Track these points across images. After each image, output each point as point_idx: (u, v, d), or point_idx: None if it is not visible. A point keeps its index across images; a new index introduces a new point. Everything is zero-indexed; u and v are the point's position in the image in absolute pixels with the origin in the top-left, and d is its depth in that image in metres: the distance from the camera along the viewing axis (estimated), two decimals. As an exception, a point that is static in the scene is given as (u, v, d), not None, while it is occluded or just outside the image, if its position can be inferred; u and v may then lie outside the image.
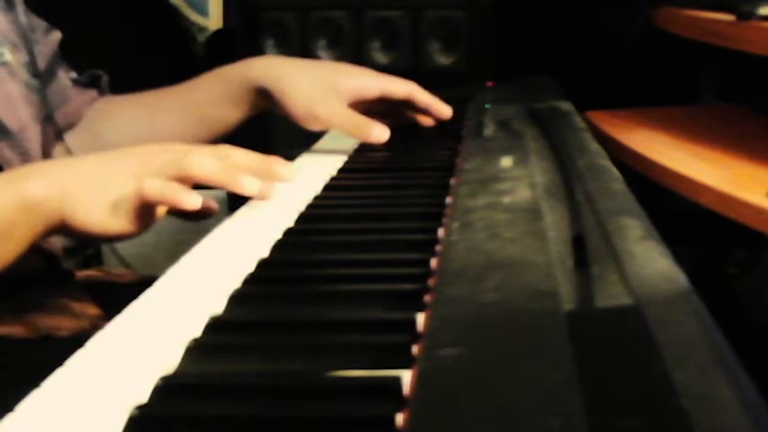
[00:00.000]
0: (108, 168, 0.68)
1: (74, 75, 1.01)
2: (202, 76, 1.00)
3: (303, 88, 0.94)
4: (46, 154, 0.90)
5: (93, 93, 1.02)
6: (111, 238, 0.67)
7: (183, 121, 0.99)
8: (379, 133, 0.92)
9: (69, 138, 0.97)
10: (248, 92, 0.97)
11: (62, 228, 0.67)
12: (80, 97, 1.01)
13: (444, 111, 1.00)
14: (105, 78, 1.04)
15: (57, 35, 0.98)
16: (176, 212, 0.68)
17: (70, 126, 0.99)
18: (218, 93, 0.98)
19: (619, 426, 0.33)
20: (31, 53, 0.91)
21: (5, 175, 0.70)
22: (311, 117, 0.94)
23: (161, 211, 0.68)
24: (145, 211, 0.66)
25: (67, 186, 0.66)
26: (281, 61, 1.00)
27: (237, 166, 0.70)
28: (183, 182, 0.66)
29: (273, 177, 0.73)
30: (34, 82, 0.89)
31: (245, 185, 0.69)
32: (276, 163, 0.74)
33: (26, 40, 0.91)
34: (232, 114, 0.98)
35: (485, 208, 0.62)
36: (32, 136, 0.86)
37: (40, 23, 0.96)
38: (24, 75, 0.87)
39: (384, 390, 0.39)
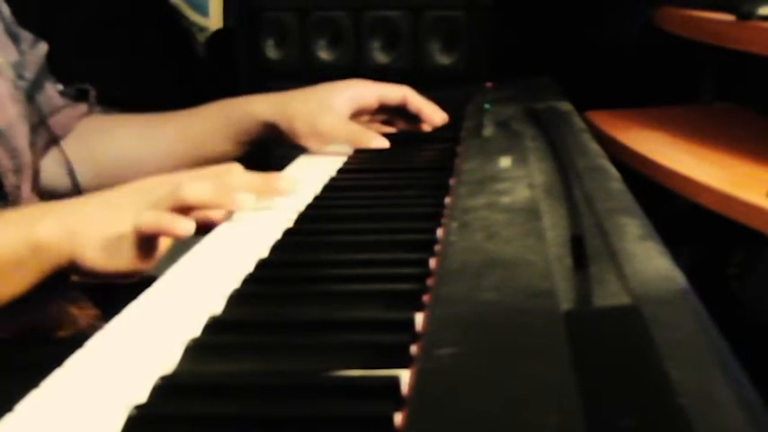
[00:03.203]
0: (111, 207, 0.69)
1: (60, 87, 1.01)
2: (204, 107, 1.00)
3: (304, 109, 0.96)
4: (36, 157, 0.90)
5: (83, 107, 1.02)
6: (120, 277, 0.68)
7: (178, 150, 0.99)
8: (378, 144, 0.95)
9: (51, 154, 0.97)
10: (250, 127, 0.98)
11: (70, 268, 0.67)
12: (70, 110, 1.00)
13: (435, 117, 1.01)
14: (93, 93, 1.04)
15: (43, 47, 0.98)
16: None
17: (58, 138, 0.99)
18: (218, 127, 0.98)
19: (616, 425, 0.33)
20: (21, 53, 0.91)
21: (17, 214, 0.71)
22: (314, 134, 0.96)
23: (164, 243, 0.68)
24: (146, 246, 0.67)
25: (75, 228, 0.67)
26: (280, 93, 1.01)
27: (234, 187, 0.71)
28: (181, 211, 0.67)
29: (274, 194, 0.74)
30: (21, 83, 0.89)
31: (239, 203, 0.70)
32: (275, 179, 0.74)
33: (14, 40, 0.91)
34: (229, 150, 0.98)
35: (484, 208, 0.62)
36: (20, 134, 0.86)
37: (27, 35, 0.96)
38: (11, 74, 0.88)
39: (383, 389, 0.39)
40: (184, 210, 0.67)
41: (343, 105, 0.96)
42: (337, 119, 0.96)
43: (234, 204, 0.70)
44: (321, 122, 0.95)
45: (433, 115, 1.01)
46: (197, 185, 0.68)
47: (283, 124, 0.96)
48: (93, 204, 0.70)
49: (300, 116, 0.95)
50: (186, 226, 0.65)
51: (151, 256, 0.68)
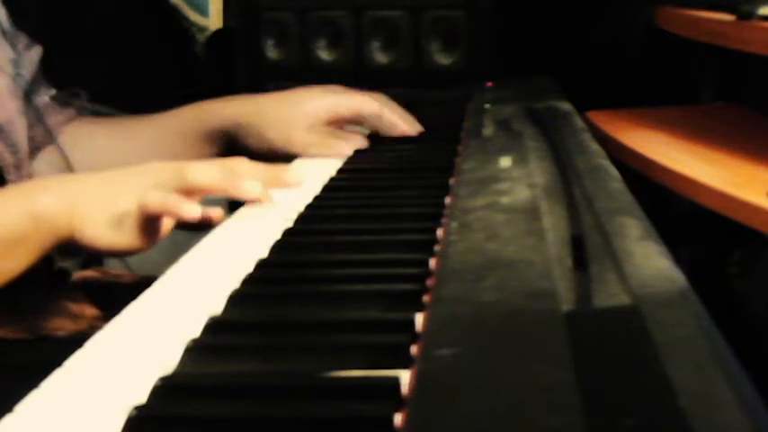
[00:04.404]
0: (115, 184, 0.69)
1: (53, 92, 1.01)
2: (182, 108, 1.00)
3: (277, 118, 0.95)
4: (33, 153, 0.90)
5: (71, 111, 1.02)
6: (119, 253, 0.68)
7: (155, 152, 0.98)
8: (355, 145, 0.94)
9: (42, 155, 0.97)
10: (224, 129, 0.96)
11: (71, 242, 0.67)
12: (57, 116, 1.00)
13: (410, 132, 0.99)
14: (84, 97, 1.04)
15: (37, 50, 0.98)
16: (181, 225, 0.69)
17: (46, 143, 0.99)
18: (190, 129, 0.98)
19: (617, 425, 0.33)
20: (17, 53, 0.91)
21: (17, 189, 0.71)
22: (288, 144, 0.94)
23: (167, 224, 0.68)
24: (149, 225, 0.67)
25: (77, 202, 0.67)
26: (255, 97, 0.99)
27: (241, 174, 0.71)
28: (186, 193, 0.67)
29: (280, 185, 0.74)
30: (19, 79, 0.90)
31: (245, 190, 0.70)
32: (282, 171, 0.75)
33: (10, 38, 0.91)
34: (205, 153, 0.97)
35: (484, 208, 0.62)
36: (19, 129, 0.86)
37: (22, 38, 0.96)
38: (10, 69, 0.88)
39: (383, 390, 0.39)
40: (190, 193, 0.67)
41: (317, 114, 0.95)
42: (310, 129, 0.94)
43: (240, 191, 0.70)
44: (294, 134, 0.94)
45: (408, 131, 0.99)
46: (204, 169, 0.68)
47: (254, 131, 0.95)
48: (96, 180, 0.70)
49: (272, 123, 0.94)
50: (191, 208, 0.65)
51: (152, 237, 0.68)
